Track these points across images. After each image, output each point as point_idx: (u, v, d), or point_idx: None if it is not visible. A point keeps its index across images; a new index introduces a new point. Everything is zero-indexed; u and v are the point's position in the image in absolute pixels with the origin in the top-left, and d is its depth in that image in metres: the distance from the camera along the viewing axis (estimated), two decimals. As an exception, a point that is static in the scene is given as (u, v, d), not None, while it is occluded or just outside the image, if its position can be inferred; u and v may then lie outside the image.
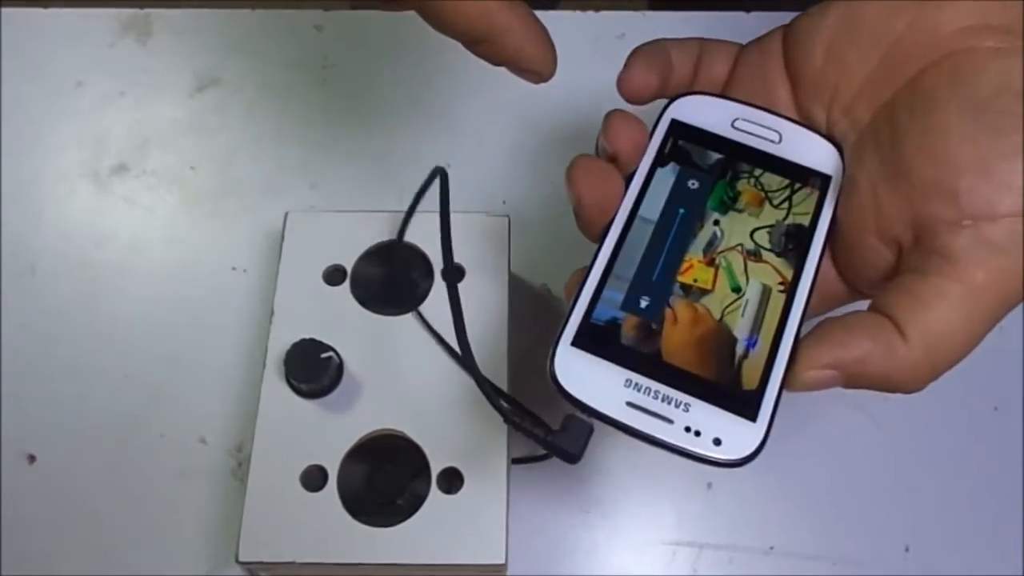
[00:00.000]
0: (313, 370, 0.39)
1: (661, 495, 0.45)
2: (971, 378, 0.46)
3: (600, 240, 0.33)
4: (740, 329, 0.32)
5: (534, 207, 0.51)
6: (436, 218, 0.43)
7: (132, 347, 0.47)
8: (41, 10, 0.56)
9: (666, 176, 0.34)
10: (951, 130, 0.29)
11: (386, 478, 0.39)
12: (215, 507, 0.44)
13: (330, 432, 0.39)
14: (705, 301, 0.32)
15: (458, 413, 0.40)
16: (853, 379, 0.29)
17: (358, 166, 0.52)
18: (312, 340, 0.39)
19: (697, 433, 0.30)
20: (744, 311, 0.32)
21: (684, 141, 0.35)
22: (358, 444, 0.39)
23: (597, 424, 0.31)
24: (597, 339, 0.31)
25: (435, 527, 0.38)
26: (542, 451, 0.42)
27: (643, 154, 0.34)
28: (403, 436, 0.39)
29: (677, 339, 0.31)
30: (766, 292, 0.32)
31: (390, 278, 0.43)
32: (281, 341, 0.40)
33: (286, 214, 0.44)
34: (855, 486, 0.45)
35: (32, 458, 0.45)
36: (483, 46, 0.33)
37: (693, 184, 0.34)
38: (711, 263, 0.33)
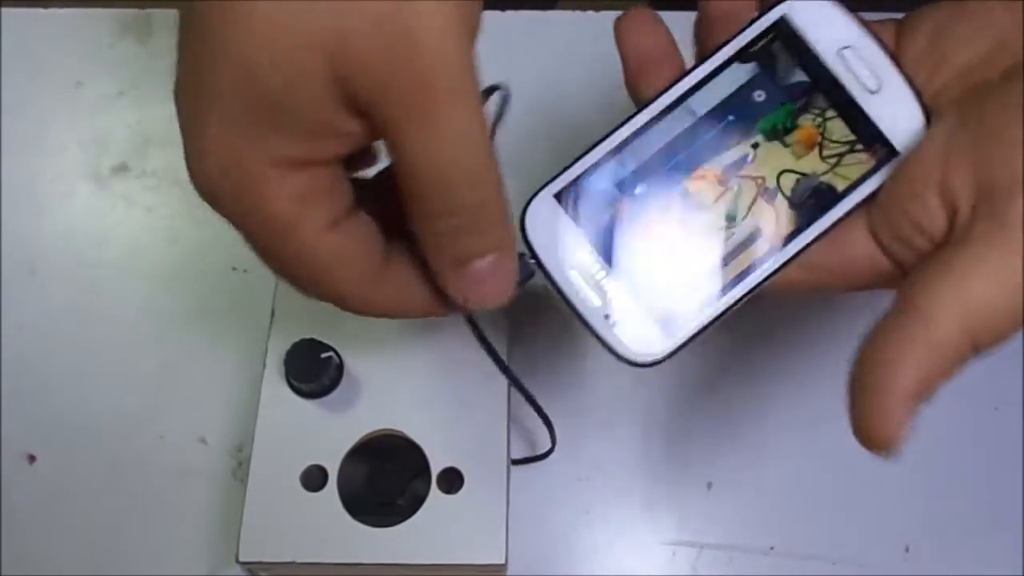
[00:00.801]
0: (313, 370, 0.39)
1: (661, 495, 0.45)
2: (971, 378, 0.46)
3: (638, 105, 0.32)
4: (709, 255, 0.31)
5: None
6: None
7: (132, 347, 0.47)
8: (41, 10, 0.56)
9: (738, 74, 0.32)
10: None
11: (386, 478, 0.39)
12: (215, 507, 0.44)
13: (330, 432, 0.39)
14: (695, 215, 0.31)
15: (458, 413, 0.40)
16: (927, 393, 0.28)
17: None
18: (312, 340, 0.39)
19: (612, 324, 0.31)
20: (725, 242, 0.31)
21: (780, 45, 0.32)
22: (358, 444, 0.39)
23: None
24: (577, 201, 0.31)
25: (435, 527, 0.38)
26: (541, 451, 0.43)
27: (731, 39, 0.32)
28: (403, 436, 0.39)
29: (647, 237, 0.31)
30: (754, 236, 0.31)
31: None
32: (281, 341, 0.40)
33: (286, 214, 0.44)
34: (855, 486, 0.45)
35: (32, 458, 0.45)
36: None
37: (759, 96, 0.32)
38: (723, 183, 0.31)
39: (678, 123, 0.32)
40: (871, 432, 0.28)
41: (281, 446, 0.39)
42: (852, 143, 0.32)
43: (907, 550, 0.44)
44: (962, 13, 0.32)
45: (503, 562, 0.37)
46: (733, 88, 0.32)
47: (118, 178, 0.52)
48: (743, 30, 0.32)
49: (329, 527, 0.38)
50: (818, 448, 0.45)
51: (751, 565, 0.43)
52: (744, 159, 0.32)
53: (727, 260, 0.31)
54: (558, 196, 0.31)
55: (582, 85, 0.53)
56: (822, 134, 0.32)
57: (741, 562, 0.43)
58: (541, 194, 0.31)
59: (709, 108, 0.32)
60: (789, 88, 0.32)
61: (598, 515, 0.44)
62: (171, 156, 0.53)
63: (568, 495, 0.44)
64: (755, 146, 0.32)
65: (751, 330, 0.47)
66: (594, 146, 0.32)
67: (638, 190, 0.31)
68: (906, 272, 0.30)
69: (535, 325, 0.47)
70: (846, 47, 0.31)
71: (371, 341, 0.41)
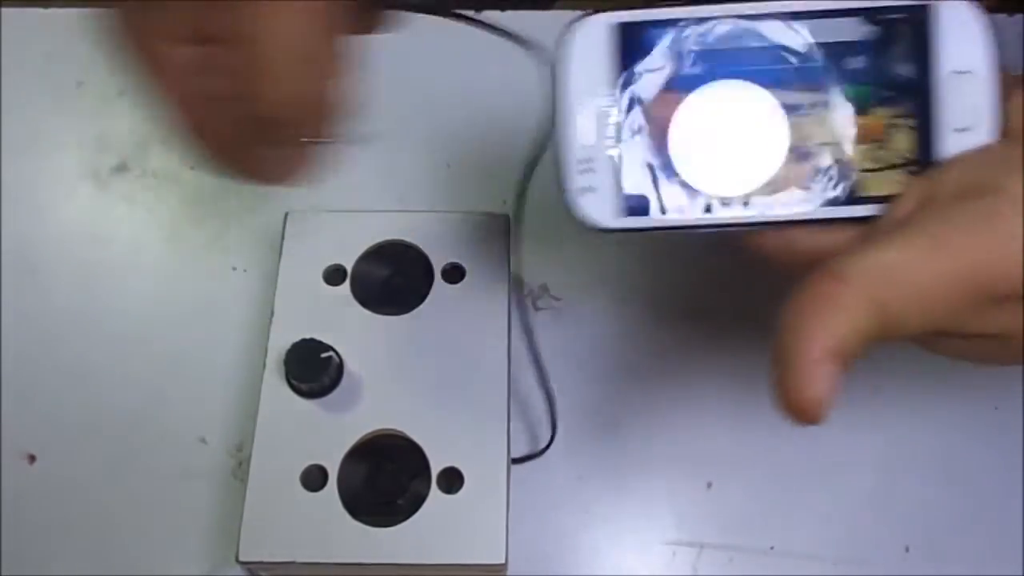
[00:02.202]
0: (313, 370, 0.39)
1: (661, 495, 0.45)
2: (971, 378, 0.46)
3: None
4: (709, 167, 0.31)
5: (534, 207, 0.51)
6: (436, 218, 0.43)
7: (132, 347, 0.47)
8: (41, 10, 0.56)
9: (854, 28, 0.30)
10: None
11: (386, 478, 0.39)
12: (215, 507, 0.44)
13: (330, 432, 0.39)
14: (726, 123, 0.30)
15: (458, 413, 0.40)
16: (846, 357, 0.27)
17: (358, 166, 0.52)
18: (312, 340, 0.39)
19: (585, 171, 0.30)
20: (730, 166, 0.31)
21: (908, 30, 0.29)
22: (358, 444, 0.39)
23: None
24: (630, 42, 0.30)
25: (435, 527, 0.38)
26: (540, 450, 0.43)
27: None
28: (403, 436, 0.39)
29: (671, 116, 0.30)
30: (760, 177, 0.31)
31: (390, 278, 0.43)
32: (281, 341, 0.40)
33: (286, 214, 0.44)
34: (855, 486, 0.45)
35: (32, 458, 0.45)
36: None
37: (858, 62, 0.30)
38: (770, 114, 0.30)
39: (772, 32, 0.30)
40: (790, 403, 0.27)
41: (281, 446, 0.39)
42: (906, 162, 0.30)
43: (907, 550, 0.44)
44: None
45: (503, 562, 0.37)
46: (842, 37, 0.30)
47: (118, 178, 0.52)
48: None
49: (329, 527, 0.38)
50: (818, 448, 0.45)
51: (751, 565, 0.43)
52: (801, 107, 0.30)
53: (720, 185, 0.31)
54: (620, 28, 0.30)
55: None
56: (885, 135, 0.30)
57: (741, 562, 0.43)
58: (598, 17, 0.30)
59: (808, 41, 0.30)
60: (890, 74, 0.30)
61: (598, 515, 0.44)
62: (171, 156, 0.53)
63: (568, 495, 0.44)
64: (821, 105, 0.30)
65: (751, 330, 0.47)
66: (675, 4, 0.30)
67: (693, 69, 0.30)
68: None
69: (537, 325, 0.47)
70: (965, 72, 0.29)
71: (371, 341, 0.41)
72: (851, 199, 0.30)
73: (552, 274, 0.49)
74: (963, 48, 0.29)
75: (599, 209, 0.30)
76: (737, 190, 0.31)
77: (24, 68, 0.54)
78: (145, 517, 0.44)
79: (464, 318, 0.41)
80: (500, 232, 0.43)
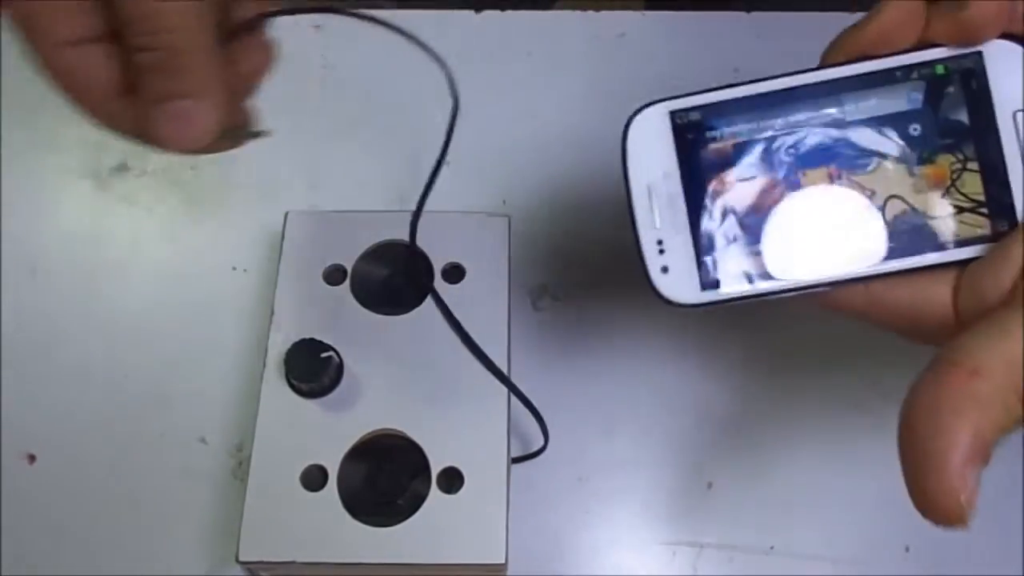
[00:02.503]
0: (313, 370, 0.39)
1: (661, 495, 0.45)
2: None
3: (816, 68, 0.31)
4: (782, 236, 0.31)
5: (534, 207, 0.51)
6: (436, 218, 0.43)
7: (132, 347, 0.47)
8: (41, 10, 0.56)
9: (904, 86, 0.31)
10: None
11: (386, 478, 0.39)
12: (215, 507, 0.44)
13: (330, 432, 0.39)
14: (788, 192, 0.31)
15: (458, 413, 0.40)
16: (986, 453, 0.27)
17: (358, 166, 0.52)
18: (312, 340, 0.39)
19: (661, 251, 0.31)
20: (803, 231, 0.31)
21: (959, 77, 0.31)
22: (358, 444, 0.39)
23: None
24: (687, 128, 0.32)
25: (435, 527, 0.38)
26: (538, 448, 0.43)
27: (918, 51, 0.31)
28: (403, 436, 0.39)
29: (733, 194, 0.31)
30: (833, 240, 0.31)
31: (390, 278, 0.43)
32: (281, 341, 0.40)
33: (286, 214, 0.44)
34: (855, 486, 0.45)
35: (32, 458, 0.45)
36: None
37: (913, 117, 0.31)
38: (832, 178, 0.31)
39: (823, 105, 0.31)
40: (936, 507, 0.27)
41: (281, 446, 0.39)
42: (979, 204, 0.31)
43: (907, 550, 0.44)
44: None
45: (503, 562, 0.37)
46: (892, 98, 0.31)
47: (118, 178, 0.52)
48: (933, 47, 0.31)
49: (329, 527, 0.38)
50: (818, 448, 0.45)
51: (751, 565, 0.43)
52: (865, 166, 0.31)
53: (796, 248, 0.31)
54: (673, 115, 0.32)
55: (581, 84, 0.53)
56: (953, 181, 0.31)
57: (741, 562, 0.43)
58: (658, 105, 0.32)
59: (860, 110, 0.31)
60: (946, 121, 0.31)
61: (598, 515, 0.44)
62: (171, 156, 0.52)
63: (568, 495, 0.44)
64: (882, 156, 0.31)
65: (751, 330, 0.47)
66: (732, 85, 0.31)
67: (749, 148, 0.31)
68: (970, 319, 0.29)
69: (536, 325, 0.47)
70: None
71: (371, 341, 0.41)
72: (928, 247, 0.31)
73: (552, 274, 0.49)
74: (1020, 88, 0.30)
75: (679, 287, 0.31)
76: (801, 260, 0.31)
77: (24, 68, 0.54)
78: (145, 517, 0.44)
79: (464, 318, 0.41)
80: (500, 232, 0.43)
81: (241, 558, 0.37)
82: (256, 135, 0.34)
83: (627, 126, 0.32)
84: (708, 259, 0.31)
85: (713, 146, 0.32)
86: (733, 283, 0.31)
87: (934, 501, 0.27)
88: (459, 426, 0.39)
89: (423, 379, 0.40)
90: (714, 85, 0.32)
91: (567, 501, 0.44)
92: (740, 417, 0.46)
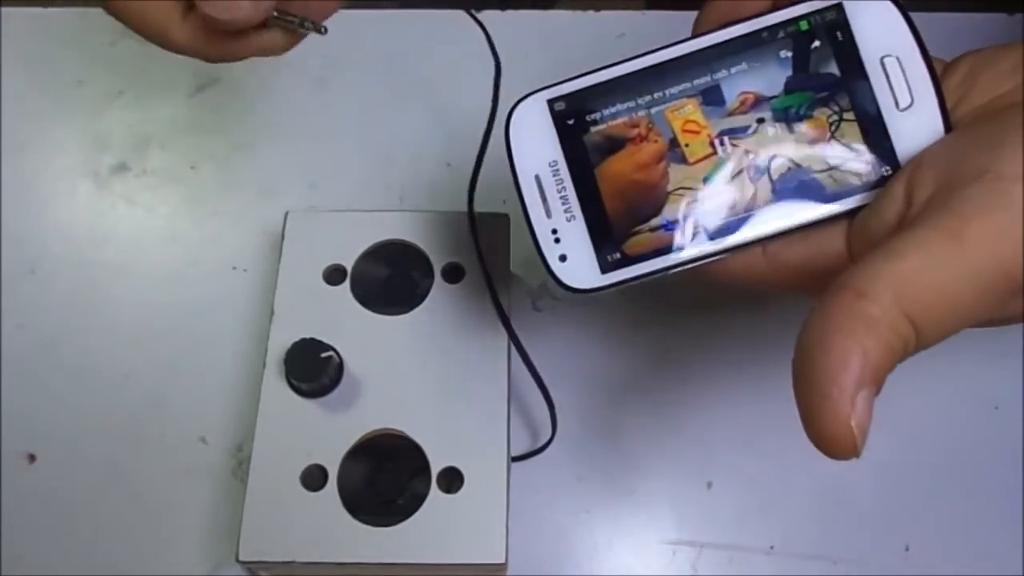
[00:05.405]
0: (313, 370, 0.39)
1: (661, 495, 0.45)
2: (971, 378, 0.46)
3: (685, 40, 0.32)
4: (672, 209, 0.31)
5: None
6: (436, 218, 0.43)
7: (132, 347, 0.47)
8: (41, 10, 0.56)
9: (771, 46, 0.31)
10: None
11: (386, 478, 0.39)
12: (215, 507, 0.44)
13: (330, 432, 0.39)
14: (674, 166, 0.32)
15: (458, 413, 0.40)
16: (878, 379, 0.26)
17: (358, 166, 0.52)
18: (312, 340, 0.39)
19: (557, 240, 0.32)
20: (692, 202, 0.31)
21: (824, 31, 0.31)
22: (358, 444, 0.39)
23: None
24: (565, 111, 0.32)
25: (435, 527, 0.38)
26: (541, 446, 0.43)
27: (779, 10, 0.31)
28: (403, 436, 0.39)
29: (616, 167, 0.32)
30: (722, 207, 0.31)
31: (390, 278, 0.43)
32: (281, 341, 0.40)
33: (286, 214, 0.44)
34: (855, 486, 0.45)
35: (32, 458, 0.45)
36: None
37: (784, 74, 0.31)
38: (713, 144, 0.31)
39: (693, 73, 0.32)
40: (826, 434, 0.26)
41: (281, 446, 0.39)
42: (860, 152, 0.31)
43: (907, 550, 0.44)
44: (999, 54, 0.31)
45: (503, 562, 0.37)
46: (762, 59, 0.31)
47: (118, 178, 0.52)
48: (794, 4, 0.31)
49: (329, 527, 0.38)
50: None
51: (751, 565, 0.43)
52: (744, 130, 0.31)
53: (687, 220, 0.31)
54: (550, 102, 0.32)
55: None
56: (832, 132, 0.31)
57: (741, 562, 0.43)
58: (535, 96, 0.32)
59: (733, 75, 0.31)
60: (816, 76, 0.31)
61: (598, 515, 0.44)
62: (171, 156, 0.53)
63: (568, 495, 0.44)
64: (760, 120, 0.31)
65: (750, 330, 0.47)
66: (600, 69, 0.32)
67: (626, 122, 0.32)
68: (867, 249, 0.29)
69: (536, 325, 0.47)
70: (891, 56, 0.31)
71: (371, 341, 0.41)
72: (817, 200, 0.31)
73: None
74: (883, 34, 0.31)
75: (579, 273, 0.32)
76: (692, 232, 0.31)
77: (24, 68, 0.54)
78: (145, 517, 0.44)
79: (464, 318, 0.41)
80: (500, 232, 0.43)
81: (241, 558, 0.37)
82: (313, 27, 0.35)
83: (508, 120, 0.32)
84: (604, 242, 0.32)
85: (595, 129, 0.32)
86: (632, 263, 0.31)
87: (824, 427, 0.26)
88: (459, 426, 0.39)
89: (423, 379, 0.40)
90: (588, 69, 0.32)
91: (567, 501, 0.44)
92: (740, 417, 0.46)
